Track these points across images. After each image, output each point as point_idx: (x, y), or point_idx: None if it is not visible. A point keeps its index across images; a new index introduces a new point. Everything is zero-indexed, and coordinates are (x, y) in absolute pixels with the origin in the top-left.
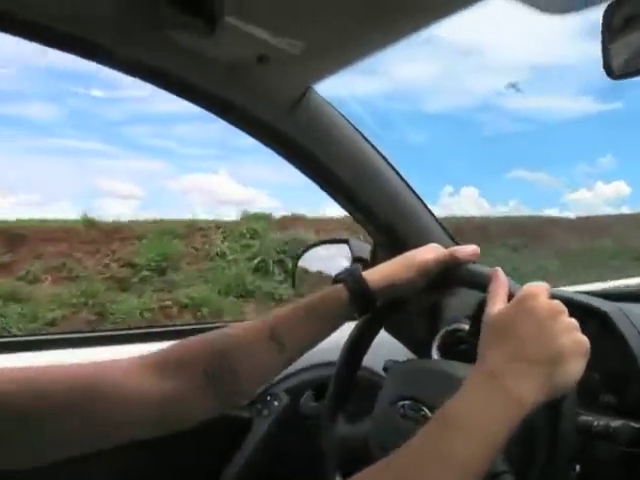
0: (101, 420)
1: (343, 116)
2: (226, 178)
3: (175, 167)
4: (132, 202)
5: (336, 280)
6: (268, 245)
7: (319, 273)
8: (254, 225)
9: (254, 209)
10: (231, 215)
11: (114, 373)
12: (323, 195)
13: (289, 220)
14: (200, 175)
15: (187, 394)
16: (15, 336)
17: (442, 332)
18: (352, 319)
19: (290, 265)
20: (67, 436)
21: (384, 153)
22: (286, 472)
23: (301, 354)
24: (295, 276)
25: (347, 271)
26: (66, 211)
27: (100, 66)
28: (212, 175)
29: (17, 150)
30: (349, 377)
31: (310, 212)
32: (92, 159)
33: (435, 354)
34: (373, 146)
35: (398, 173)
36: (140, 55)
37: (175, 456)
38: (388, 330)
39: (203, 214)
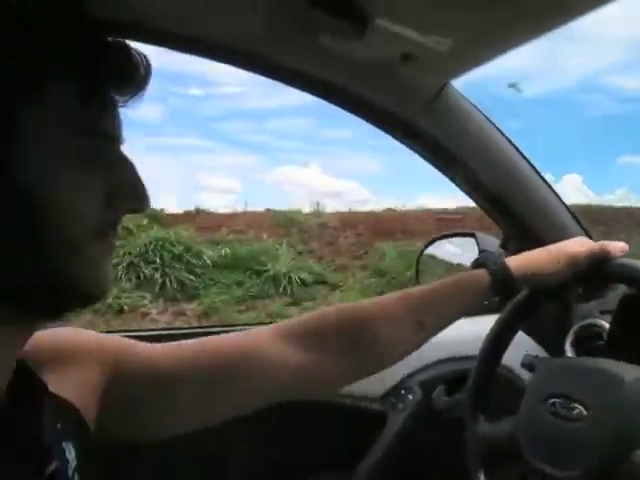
0: (247, 385)
1: (478, 109)
2: (317, 170)
3: (269, 161)
4: (230, 196)
5: (477, 264)
6: (130, 246)
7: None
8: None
9: (346, 201)
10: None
11: (257, 341)
12: (415, 185)
13: (175, 217)
14: (293, 168)
15: (325, 360)
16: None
17: (576, 327)
18: (491, 311)
19: (145, 270)
20: (218, 401)
21: (516, 144)
22: (422, 467)
23: (436, 334)
24: (418, 270)
25: (489, 255)
26: (170, 205)
27: (196, 66)
28: (303, 168)
29: (127, 150)
30: (490, 373)
31: (400, 203)
32: (193, 155)
33: (569, 351)
34: (507, 138)
35: (532, 166)
36: (287, 60)
37: (311, 448)
38: None
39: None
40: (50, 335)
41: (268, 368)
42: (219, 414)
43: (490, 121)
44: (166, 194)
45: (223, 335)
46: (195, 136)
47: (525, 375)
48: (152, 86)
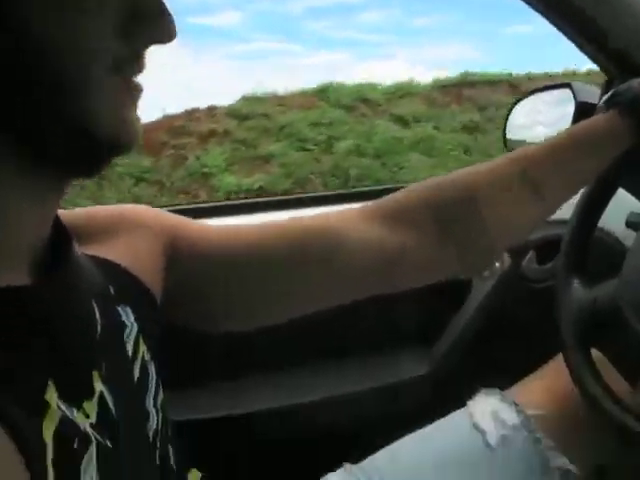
0: (327, 271)
1: None
2: (404, 62)
3: (356, 56)
4: None
5: (609, 105)
6: None
7: None
8: None
9: None
10: None
11: (336, 221)
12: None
13: None
14: (379, 61)
15: (416, 246)
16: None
17: None
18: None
19: None
20: (292, 290)
21: None
22: (507, 343)
23: (560, 204)
24: (506, 131)
25: (622, 92)
26: None
27: None
28: (390, 60)
29: (211, 58)
30: (586, 234)
31: None
32: (278, 58)
33: None
34: None
35: None
36: None
37: (394, 315)
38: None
39: None
40: (102, 209)
41: (352, 251)
42: (298, 306)
43: None
44: None
45: (293, 217)
46: (280, 39)
47: (629, 239)
48: None
